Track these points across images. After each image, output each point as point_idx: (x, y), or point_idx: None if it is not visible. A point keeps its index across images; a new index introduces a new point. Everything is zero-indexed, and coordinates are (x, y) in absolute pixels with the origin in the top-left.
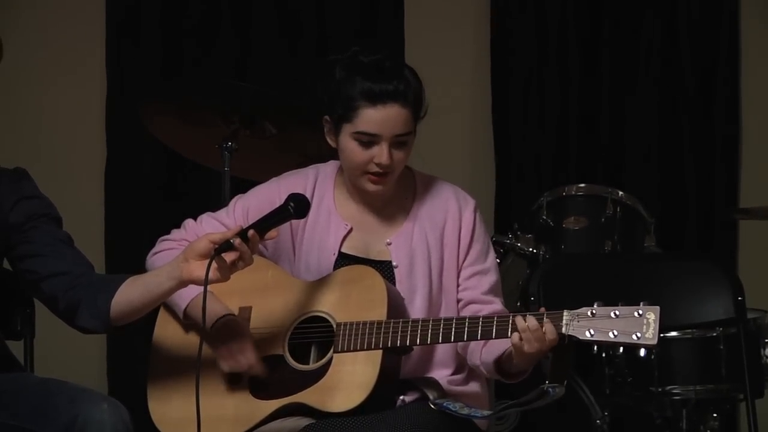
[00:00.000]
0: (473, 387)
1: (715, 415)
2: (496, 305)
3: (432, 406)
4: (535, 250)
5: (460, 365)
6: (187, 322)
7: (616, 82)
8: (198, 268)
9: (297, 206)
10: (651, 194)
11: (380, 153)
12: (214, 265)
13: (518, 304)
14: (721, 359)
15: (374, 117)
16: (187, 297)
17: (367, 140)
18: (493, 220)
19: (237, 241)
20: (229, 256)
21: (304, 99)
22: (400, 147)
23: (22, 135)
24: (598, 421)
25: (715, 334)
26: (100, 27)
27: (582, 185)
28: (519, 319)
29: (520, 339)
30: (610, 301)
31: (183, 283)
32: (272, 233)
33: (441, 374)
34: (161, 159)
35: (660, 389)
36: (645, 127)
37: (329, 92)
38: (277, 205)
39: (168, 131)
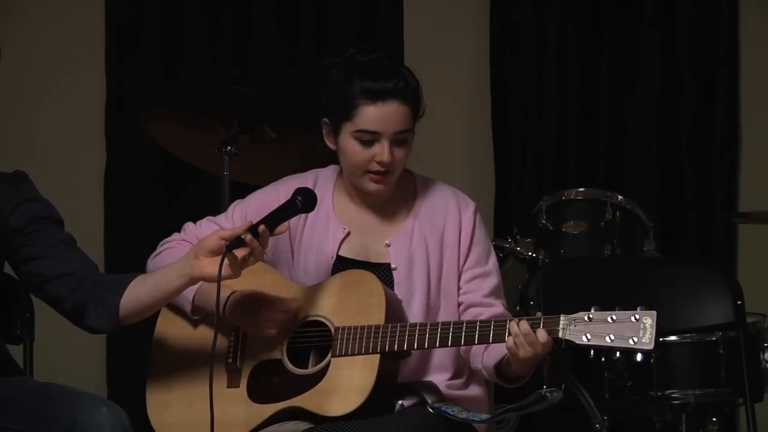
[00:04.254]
0: (472, 391)
1: (714, 419)
2: (497, 308)
3: (430, 411)
4: (534, 254)
5: (459, 369)
6: (195, 316)
7: (615, 85)
8: (209, 265)
9: (305, 200)
10: (650, 198)
11: (381, 151)
12: (225, 261)
13: (518, 308)
14: (720, 363)
15: (374, 114)
16: (191, 289)
17: (368, 138)
18: (493, 224)
19: (248, 237)
20: (240, 252)
21: (304, 103)
22: (400, 145)
23: (22, 137)
24: (597, 426)
25: (714, 338)
26: (100, 29)
27: (581, 189)
28: (512, 324)
29: (515, 344)
30: (609, 306)
31: (194, 280)
32: (282, 228)
33: (440, 378)
34: (161, 163)
35: (659, 393)
36: (644, 130)
37: (327, 94)
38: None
39: (167, 135)
